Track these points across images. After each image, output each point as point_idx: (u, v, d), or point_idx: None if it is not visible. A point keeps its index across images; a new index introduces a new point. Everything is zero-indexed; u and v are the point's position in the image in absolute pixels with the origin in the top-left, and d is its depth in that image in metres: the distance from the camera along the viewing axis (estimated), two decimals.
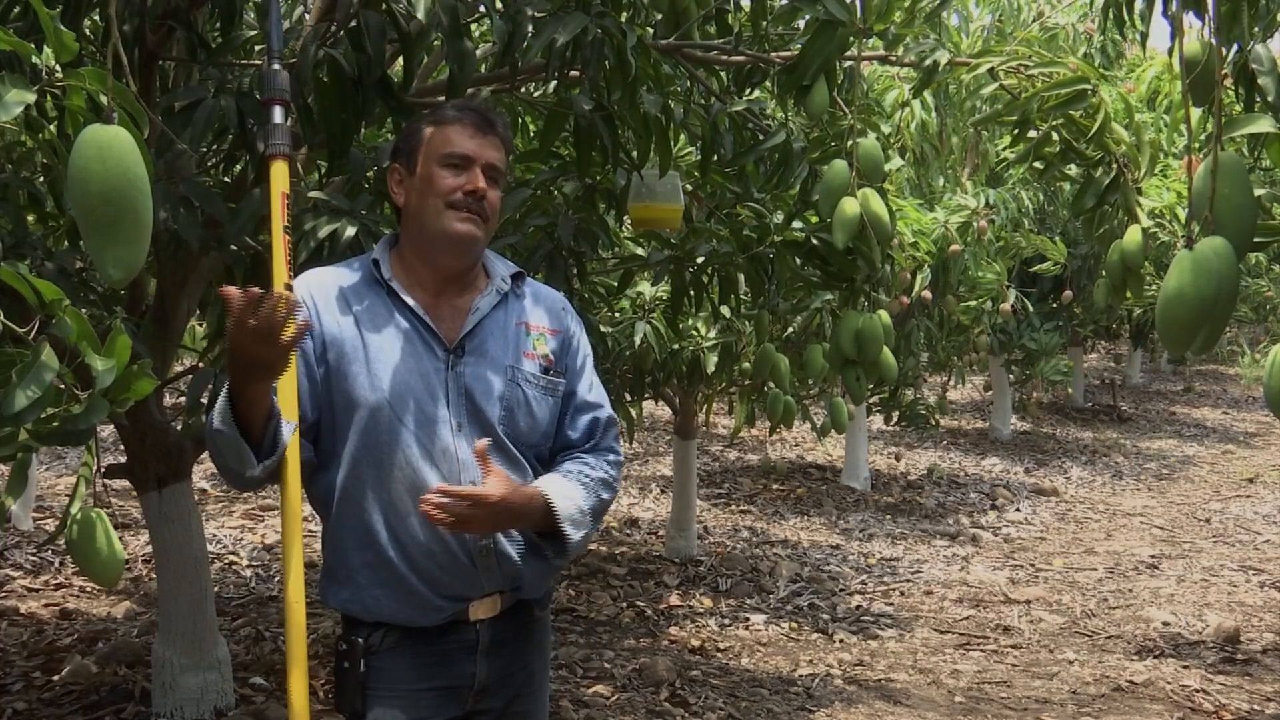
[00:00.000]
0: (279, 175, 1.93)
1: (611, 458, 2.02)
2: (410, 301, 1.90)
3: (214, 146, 3.17)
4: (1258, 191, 1.93)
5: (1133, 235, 3.13)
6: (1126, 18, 2.77)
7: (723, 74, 3.63)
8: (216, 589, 5.07)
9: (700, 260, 3.86)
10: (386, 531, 1.86)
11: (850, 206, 3.15)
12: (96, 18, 3.06)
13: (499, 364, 1.92)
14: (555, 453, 2.01)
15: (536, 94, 3.74)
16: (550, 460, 2.01)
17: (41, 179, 3.15)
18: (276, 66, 2.00)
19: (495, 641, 1.95)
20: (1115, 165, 3.18)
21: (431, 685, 1.91)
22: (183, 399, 4.13)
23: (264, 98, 2.00)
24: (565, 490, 1.89)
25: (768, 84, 3.77)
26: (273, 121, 1.96)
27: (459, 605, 1.90)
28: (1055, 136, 3.19)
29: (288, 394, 1.81)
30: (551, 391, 1.97)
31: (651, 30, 3.31)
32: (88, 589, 5.12)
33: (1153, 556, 6.85)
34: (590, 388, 2.03)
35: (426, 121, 1.94)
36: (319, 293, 1.90)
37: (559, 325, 2.02)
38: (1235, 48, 2.33)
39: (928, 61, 3.22)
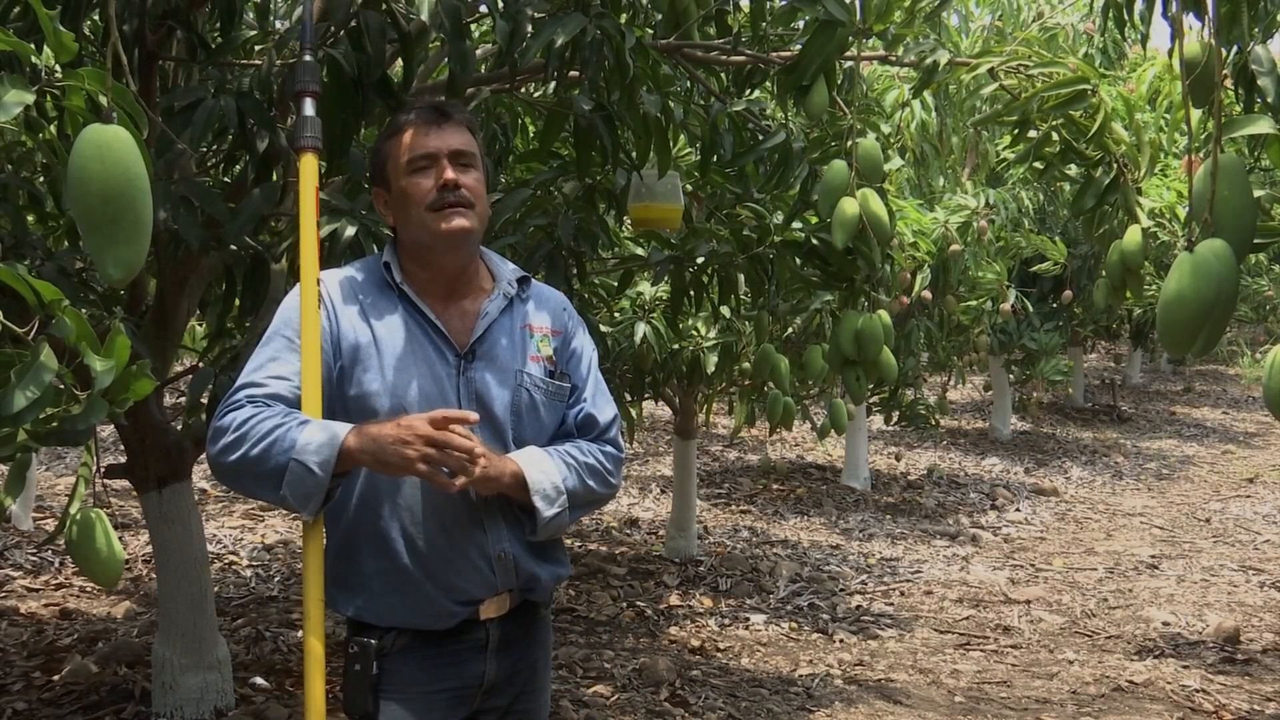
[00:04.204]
0: (309, 169, 1.91)
1: (609, 450, 1.99)
2: (422, 306, 1.90)
3: (214, 146, 3.17)
4: (1257, 192, 1.93)
5: (1133, 235, 3.13)
6: (1127, 19, 2.77)
7: (723, 74, 3.63)
8: (216, 589, 5.07)
9: (700, 260, 3.86)
10: (403, 538, 1.86)
11: (850, 206, 3.15)
12: (96, 18, 3.06)
13: (508, 369, 1.92)
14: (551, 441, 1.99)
15: (536, 94, 3.74)
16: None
17: (41, 179, 3.16)
18: (308, 58, 1.98)
19: (504, 640, 1.96)
20: (1115, 165, 3.18)
21: (444, 686, 1.92)
22: (183, 399, 4.13)
23: (296, 89, 1.97)
24: (542, 464, 1.88)
25: (768, 84, 3.77)
26: (304, 114, 1.93)
27: (471, 609, 1.90)
28: (1055, 136, 3.19)
29: (312, 396, 1.80)
30: (557, 396, 1.97)
31: (651, 31, 3.31)
32: (88, 589, 5.12)
33: (1153, 556, 6.85)
34: (593, 390, 2.03)
35: (385, 136, 1.94)
36: (335, 293, 1.90)
37: (560, 326, 2.02)
38: (1235, 49, 2.33)
39: (928, 61, 3.22)
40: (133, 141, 1.67)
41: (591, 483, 1.93)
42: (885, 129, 4.95)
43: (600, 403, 2.02)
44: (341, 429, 1.74)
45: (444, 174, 1.86)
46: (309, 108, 1.94)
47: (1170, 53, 2.44)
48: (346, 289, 1.91)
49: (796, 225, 3.74)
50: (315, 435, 1.73)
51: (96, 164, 1.62)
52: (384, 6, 2.53)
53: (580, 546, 6.58)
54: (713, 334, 5.19)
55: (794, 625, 5.30)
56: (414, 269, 1.93)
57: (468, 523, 1.86)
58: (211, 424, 1.82)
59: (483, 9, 3.09)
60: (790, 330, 5.82)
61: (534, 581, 1.93)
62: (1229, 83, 2.38)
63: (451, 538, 1.86)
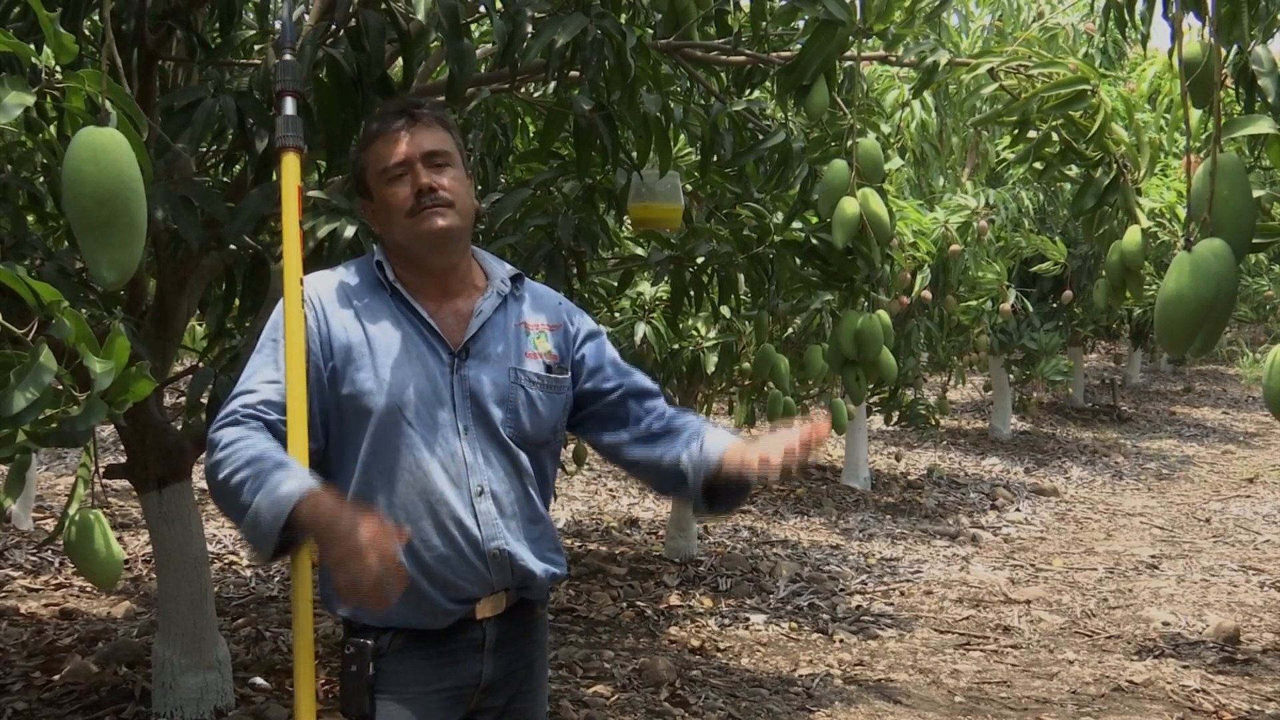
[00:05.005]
0: (290, 169, 1.90)
1: (665, 414, 2.01)
2: (415, 304, 1.90)
3: (214, 147, 3.17)
4: (1257, 192, 1.94)
5: (1132, 236, 3.13)
6: (1127, 19, 2.77)
7: (723, 74, 3.63)
8: (216, 589, 5.07)
9: (700, 260, 3.86)
10: None
11: (850, 206, 3.15)
12: (96, 19, 3.06)
13: (502, 366, 1.92)
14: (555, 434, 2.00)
15: (536, 94, 3.74)
16: (615, 441, 2.01)
17: (41, 179, 3.15)
18: (289, 57, 1.97)
19: (501, 640, 1.95)
20: (1115, 165, 3.18)
21: (440, 686, 1.91)
22: (183, 399, 4.13)
23: (276, 88, 1.96)
24: (702, 446, 1.91)
25: (768, 84, 3.77)
26: (285, 113, 1.93)
27: (467, 607, 1.90)
28: (1055, 137, 3.19)
29: (297, 396, 1.80)
30: (556, 389, 1.97)
31: (651, 30, 3.31)
32: (88, 589, 5.12)
33: (1153, 556, 6.85)
34: (615, 361, 2.04)
35: (360, 147, 1.93)
36: (325, 296, 1.90)
37: (557, 320, 2.02)
38: (1235, 49, 2.33)
39: (927, 61, 3.22)
40: (127, 144, 1.67)
41: None
42: (885, 129, 4.95)
43: (636, 371, 2.05)
44: (299, 490, 1.67)
45: (419, 179, 1.85)
46: (290, 107, 1.93)
47: (1170, 53, 2.44)
48: (337, 289, 1.91)
49: (796, 225, 3.74)
50: (277, 488, 1.67)
51: (91, 166, 1.63)
52: (383, 6, 2.53)
53: (580, 546, 6.58)
54: (713, 334, 5.19)
55: (794, 625, 5.30)
56: (405, 272, 1.92)
57: (464, 520, 1.86)
58: (209, 434, 1.82)
59: (482, 9, 3.09)
60: (790, 330, 5.82)
61: (530, 579, 1.93)
62: (1229, 83, 2.38)
63: (448, 535, 1.85)
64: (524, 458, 1.93)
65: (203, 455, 3.85)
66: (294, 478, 1.69)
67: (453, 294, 1.94)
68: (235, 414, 1.80)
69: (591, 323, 2.07)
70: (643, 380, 2.04)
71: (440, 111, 1.95)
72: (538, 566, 1.93)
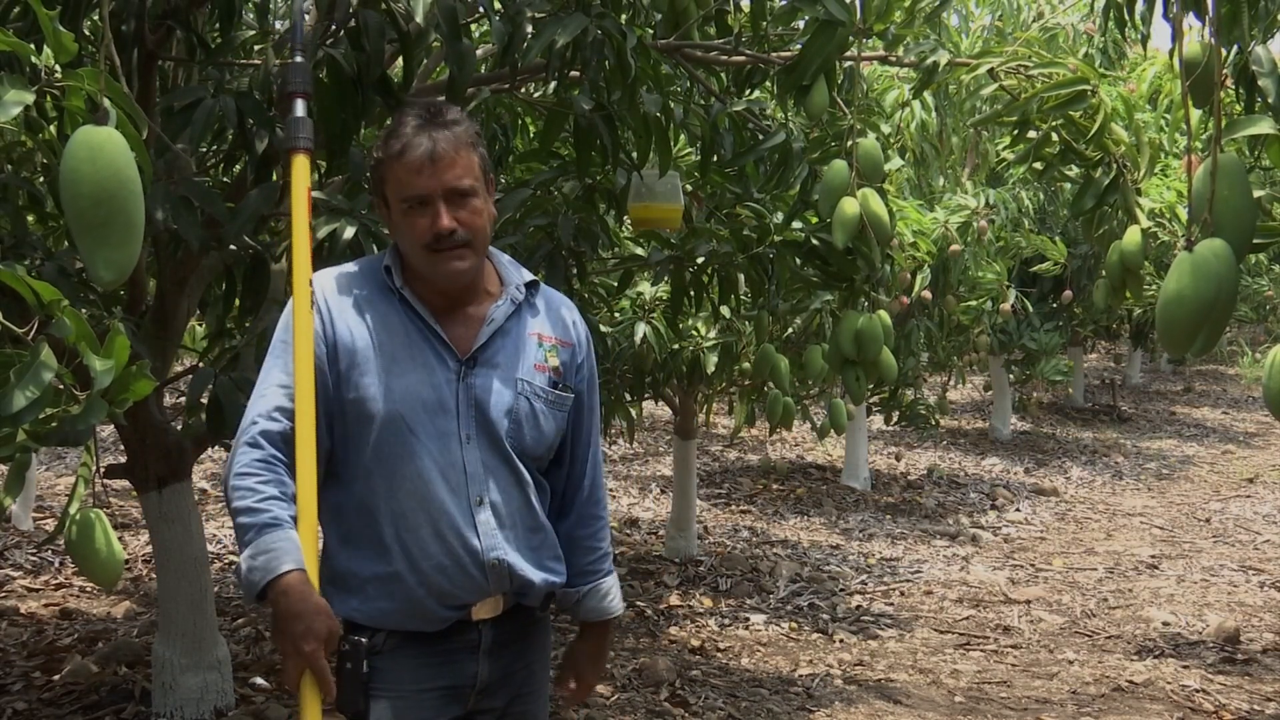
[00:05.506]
0: (300, 171, 1.88)
1: (602, 510, 2.10)
2: (422, 311, 1.88)
3: (214, 147, 3.17)
4: (1257, 193, 1.94)
5: (1132, 236, 3.13)
6: (1127, 19, 2.77)
7: (723, 74, 3.64)
8: (216, 589, 5.07)
9: (700, 260, 3.86)
10: (397, 545, 1.85)
11: (850, 206, 3.15)
12: (96, 18, 3.06)
13: (509, 376, 1.90)
14: (563, 482, 2.05)
15: (536, 94, 3.74)
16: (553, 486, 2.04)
17: (41, 179, 3.16)
18: (299, 59, 1.95)
19: (497, 642, 1.95)
20: (1115, 166, 3.18)
21: (435, 685, 1.91)
22: (183, 399, 4.13)
23: (286, 90, 1.95)
24: (608, 592, 2.08)
25: (768, 84, 3.77)
26: (295, 115, 1.91)
27: (463, 612, 1.90)
28: (1055, 137, 3.19)
29: (306, 400, 1.80)
30: (559, 406, 1.96)
31: (651, 30, 3.31)
32: (88, 589, 5.12)
33: (1153, 556, 6.85)
34: (593, 409, 2.06)
35: (381, 155, 1.86)
36: (331, 296, 1.88)
37: (569, 338, 2.00)
38: (1235, 49, 2.33)
39: (928, 62, 3.22)
40: (125, 144, 1.66)
41: (608, 540, 2.13)
42: (885, 129, 4.95)
43: (598, 457, 2.09)
44: (277, 569, 1.70)
45: (439, 221, 1.81)
46: (300, 109, 1.92)
47: (1170, 53, 2.44)
48: (344, 290, 1.89)
49: (796, 225, 3.74)
50: (261, 554, 1.71)
51: (88, 166, 1.62)
52: (383, 6, 2.53)
53: None
54: (713, 334, 5.19)
55: (794, 625, 5.30)
56: (414, 280, 1.90)
57: (463, 530, 1.85)
58: (234, 443, 1.83)
59: (481, 9, 3.09)
60: (790, 330, 5.82)
61: (528, 587, 1.93)
62: (1229, 83, 2.38)
63: (446, 545, 1.85)
64: (523, 469, 1.92)
65: (202, 455, 3.86)
66: (278, 552, 1.72)
67: (464, 301, 1.92)
68: (253, 432, 1.80)
69: (592, 356, 2.07)
70: (599, 480, 2.10)
71: (466, 131, 1.86)
72: (536, 576, 1.93)
